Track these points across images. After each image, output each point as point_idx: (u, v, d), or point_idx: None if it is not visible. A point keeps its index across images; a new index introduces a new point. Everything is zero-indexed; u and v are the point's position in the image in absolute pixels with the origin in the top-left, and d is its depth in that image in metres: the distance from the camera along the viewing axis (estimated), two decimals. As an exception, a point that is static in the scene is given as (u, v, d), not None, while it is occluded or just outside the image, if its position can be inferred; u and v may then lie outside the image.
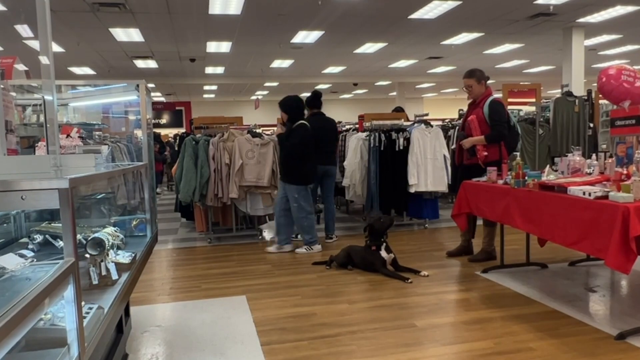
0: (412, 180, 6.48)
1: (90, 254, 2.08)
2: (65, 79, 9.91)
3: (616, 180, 3.13)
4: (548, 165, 4.16)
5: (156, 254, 5.76)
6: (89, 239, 2.12)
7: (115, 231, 2.41)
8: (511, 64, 15.96)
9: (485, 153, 4.81)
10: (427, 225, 6.94)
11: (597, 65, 16.84)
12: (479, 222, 5.08)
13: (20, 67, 3.68)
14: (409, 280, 4.36)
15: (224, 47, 12.26)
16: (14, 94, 3.07)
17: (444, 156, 6.64)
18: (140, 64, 14.13)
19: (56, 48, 11.19)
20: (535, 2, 9.12)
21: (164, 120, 24.26)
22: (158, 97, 22.95)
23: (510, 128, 4.93)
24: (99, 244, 2.08)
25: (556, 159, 4.21)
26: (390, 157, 6.58)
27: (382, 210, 6.77)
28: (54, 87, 2.45)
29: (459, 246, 5.29)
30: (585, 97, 7.98)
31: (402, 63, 15.54)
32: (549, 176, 3.79)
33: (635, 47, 13.74)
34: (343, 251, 4.99)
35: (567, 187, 3.27)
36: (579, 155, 3.78)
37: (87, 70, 14.92)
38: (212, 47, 12.24)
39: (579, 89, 10.89)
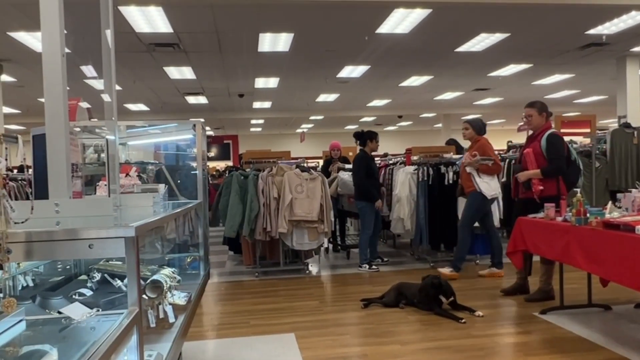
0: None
1: (148, 297, 2.10)
2: (121, 115, 10.35)
3: (687, 219, 2.95)
4: (610, 202, 3.96)
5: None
6: (147, 281, 2.15)
7: (172, 272, 2.44)
8: (561, 94, 15.57)
9: (541, 187, 4.65)
10: (478, 261, 6.72)
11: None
12: (536, 258, 4.88)
13: (83, 104, 3.86)
14: (463, 321, 4.21)
15: (272, 82, 12.55)
16: (77, 129, 3.20)
17: (495, 190, 6.47)
18: (191, 99, 14.62)
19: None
20: (586, 33, 8.92)
21: (212, 154, 24.87)
22: (207, 131, 23.62)
23: (570, 162, 4.77)
24: (157, 286, 2.11)
25: (618, 195, 4.01)
26: (439, 191, 6.48)
27: (431, 244, 6.64)
28: (116, 127, 2.55)
29: (514, 284, 5.09)
30: (644, 129, 7.64)
31: (448, 95, 15.44)
32: (612, 213, 3.61)
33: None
34: (393, 289, 4.88)
35: (635, 226, 3.09)
36: (643, 192, 3.60)
37: (141, 107, 15.55)
38: (260, 83, 12.55)
39: (636, 120, 10.46)
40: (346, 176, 7.11)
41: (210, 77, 11.65)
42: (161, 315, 2.06)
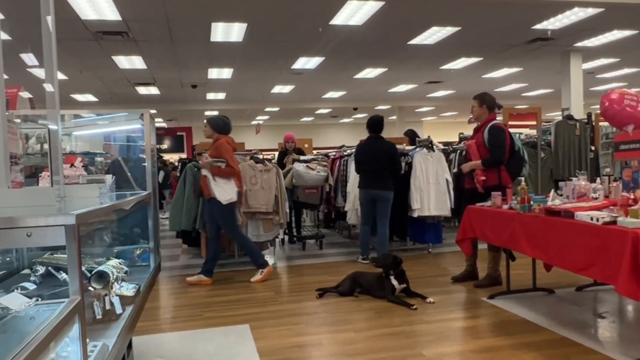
0: (414, 204, 6.46)
1: (94, 288, 2.04)
2: (68, 106, 9.95)
3: (624, 205, 3.11)
4: (553, 190, 4.13)
5: (157, 281, 5.69)
6: (93, 272, 2.09)
7: (120, 263, 2.38)
8: (510, 87, 16.08)
9: (483, 178, 4.80)
10: (430, 250, 6.88)
11: (595, 89, 16.96)
12: (482, 246, 5.04)
13: (24, 94, 3.69)
14: (414, 307, 4.30)
15: (226, 73, 12.37)
16: (18, 120, 3.06)
17: (447, 180, 6.63)
18: (142, 90, 14.25)
19: (59, 76, 11.27)
20: (533, 28, 9.23)
21: (165, 146, 24.34)
22: (159, 122, 23.06)
23: (513, 153, 4.93)
24: (103, 277, 2.05)
25: (560, 183, 4.18)
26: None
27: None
28: (58, 117, 2.45)
29: (464, 271, 5.24)
30: (586, 120, 8.01)
31: (402, 88, 15.67)
32: (554, 201, 3.77)
33: (633, 70, 13.86)
34: (349, 278, 4.93)
35: (574, 212, 3.24)
36: (584, 179, 3.77)
37: (89, 97, 15.03)
38: (214, 73, 12.35)
39: (578, 112, 10.93)
40: (301, 167, 7.11)
41: (162, 67, 11.38)
42: (108, 307, 2.01)
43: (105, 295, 1.99)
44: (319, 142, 20.67)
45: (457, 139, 9.72)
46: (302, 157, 7.72)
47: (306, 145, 14.68)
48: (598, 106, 4.40)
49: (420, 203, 6.48)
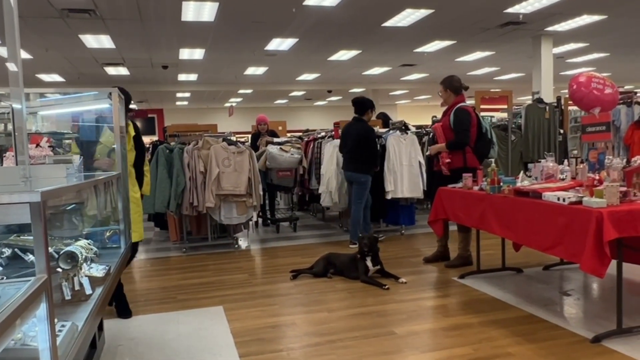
0: (388, 186, 6.51)
1: (62, 269, 2.00)
2: (34, 86, 9.65)
3: (589, 185, 3.19)
4: (522, 171, 4.22)
5: (131, 264, 5.63)
6: (61, 252, 2.04)
7: (89, 244, 2.33)
8: (483, 71, 16.24)
9: (448, 160, 4.87)
10: (403, 231, 6.96)
11: (565, 73, 17.27)
12: (453, 227, 5.12)
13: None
14: (386, 287, 4.36)
15: (197, 54, 12.15)
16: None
17: (420, 163, 6.69)
18: (111, 70, 13.89)
19: (24, 55, 10.91)
20: (505, 11, 9.30)
21: (135, 128, 23.86)
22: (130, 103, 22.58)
23: (482, 135, 5.00)
24: (71, 257, 2.01)
25: (529, 165, 4.27)
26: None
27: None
28: (22, 95, 2.37)
29: (435, 252, 5.32)
30: (555, 104, 8.16)
31: (376, 70, 15.66)
32: (523, 182, 3.84)
33: (601, 55, 14.14)
34: (322, 259, 4.96)
35: (542, 192, 3.31)
36: (552, 161, 3.85)
37: (55, 77, 14.59)
38: (185, 54, 12.11)
39: (548, 96, 11.13)
40: (275, 150, 7.08)
41: (131, 46, 11.09)
42: (77, 288, 1.98)
43: (74, 275, 1.96)
44: (294, 125, 20.59)
45: (430, 122, 9.80)
46: (275, 140, 7.68)
47: (280, 128, 14.59)
48: (567, 90, 4.48)
49: (393, 185, 6.54)
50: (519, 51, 12.96)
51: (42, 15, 8.32)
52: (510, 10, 9.21)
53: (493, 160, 4.54)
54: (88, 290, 2.00)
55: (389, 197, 6.53)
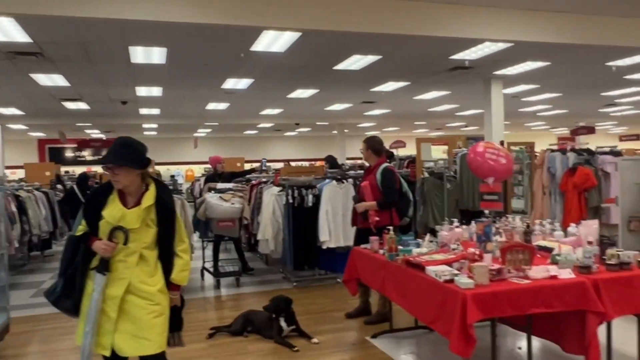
0: (322, 236, 6.56)
1: None
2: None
3: (470, 259, 3.28)
4: (428, 235, 4.31)
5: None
6: None
7: None
8: (442, 108, 16.58)
9: (377, 218, 4.96)
10: (339, 279, 6.99)
11: (524, 109, 17.75)
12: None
13: None
14: (296, 349, 4.39)
15: (155, 91, 12.20)
16: None
17: (354, 212, 6.76)
18: (70, 105, 13.84)
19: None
20: (450, 58, 9.56)
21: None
22: (96, 134, 22.47)
23: (401, 195, 5.12)
24: None
25: (437, 227, 4.37)
26: (301, 212, 6.66)
27: (295, 265, 6.79)
28: None
29: (357, 307, 5.37)
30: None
31: (338, 107, 15.87)
32: (422, 249, 3.93)
33: (553, 95, 14.58)
34: (241, 316, 4.97)
35: (425, 266, 3.39)
36: (449, 228, 3.95)
37: (14, 111, 14.47)
38: (143, 91, 12.16)
39: (499, 136, 11.36)
40: (213, 199, 6.93)
41: (86, 84, 11.10)
42: None
43: None
44: (267, 155, 20.57)
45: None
46: (218, 186, 7.63)
47: (238, 165, 14.66)
48: (519, 130, 4.50)
49: (329, 234, 6.59)
50: (473, 91, 13.25)
51: (-12, 57, 8.32)
52: (455, 57, 9.46)
53: (409, 219, 4.65)
54: None
55: (324, 246, 6.58)
